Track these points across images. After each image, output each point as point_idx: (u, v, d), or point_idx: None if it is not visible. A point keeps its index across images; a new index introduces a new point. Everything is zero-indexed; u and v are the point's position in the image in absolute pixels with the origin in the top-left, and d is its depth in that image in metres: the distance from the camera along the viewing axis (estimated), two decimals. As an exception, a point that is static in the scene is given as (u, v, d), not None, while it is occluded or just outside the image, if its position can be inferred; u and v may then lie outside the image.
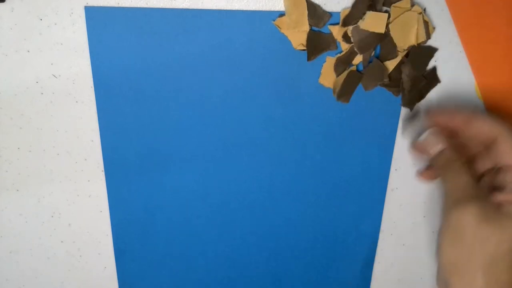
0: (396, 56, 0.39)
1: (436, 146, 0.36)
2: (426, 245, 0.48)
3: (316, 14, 0.37)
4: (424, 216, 0.47)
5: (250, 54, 0.38)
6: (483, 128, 0.33)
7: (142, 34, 0.37)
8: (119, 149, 0.41)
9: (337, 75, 0.39)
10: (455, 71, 0.41)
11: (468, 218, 0.28)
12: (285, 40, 0.38)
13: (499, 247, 0.28)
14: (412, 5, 0.37)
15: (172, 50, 0.38)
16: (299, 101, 0.41)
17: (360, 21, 0.37)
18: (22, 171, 0.41)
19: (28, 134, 0.40)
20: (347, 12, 0.37)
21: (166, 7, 0.37)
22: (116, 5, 0.36)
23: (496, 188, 0.33)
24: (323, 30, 0.38)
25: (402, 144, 0.43)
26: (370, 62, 0.39)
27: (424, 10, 0.38)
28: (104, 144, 0.41)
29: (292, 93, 0.40)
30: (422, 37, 0.38)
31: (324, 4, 0.38)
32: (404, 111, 0.42)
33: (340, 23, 0.37)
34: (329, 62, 0.39)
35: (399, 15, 0.37)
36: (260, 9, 0.37)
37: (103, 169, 0.42)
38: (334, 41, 0.38)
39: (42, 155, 0.41)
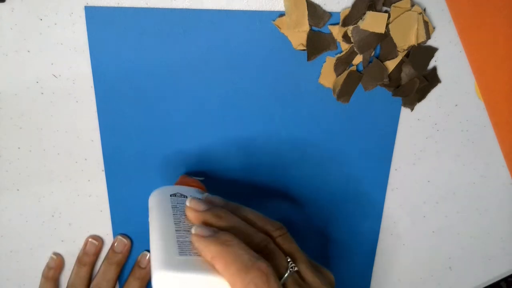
0: (396, 56, 0.39)
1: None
2: (426, 245, 0.48)
3: (316, 14, 0.37)
4: (424, 216, 0.47)
5: (250, 54, 0.38)
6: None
7: (142, 34, 0.37)
8: (119, 149, 0.41)
9: (337, 75, 0.39)
10: (455, 71, 0.41)
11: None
12: (285, 40, 0.38)
13: None
14: (412, 5, 0.37)
15: (172, 50, 0.38)
16: (299, 101, 0.41)
17: (360, 21, 0.37)
18: (23, 171, 0.41)
19: (28, 134, 0.40)
20: (347, 12, 0.37)
21: (166, 7, 0.37)
22: (116, 5, 0.36)
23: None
24: (323, 30, 0.38)
25: (402, 144, 0.43)
26: (370, 62, 0.39)
27: (424, 10, 0.38)
28: (104, 144, 0.41)
29: (292, 93, 0.40)
30: (422, 37, 0.38)
31: (324, 4, 0.38)
32: (403, 111, 0.42)
33: (340, 23, 0.37)
34: (329, 62, 0.39)
35: (399, 15, 0.37)
36: (260, 9, 0.37)
37: (103, 169, 0.42)
38: (334, 41, 0.38)
39: (43, 155, 0.41)
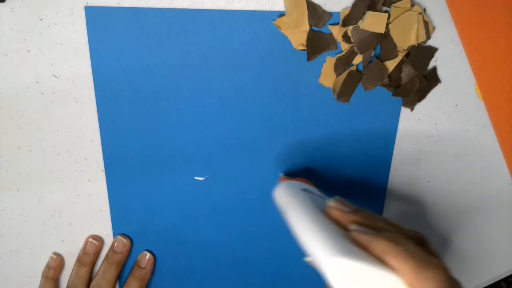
0: (396, 56, 0.39)
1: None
2: (426, 245, 0.48)
3: (316, 14, 0.37)
4: (424, 216, 0.47)
5: (250, 54, 0.38)
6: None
7: (142, 34, 0.37)
8: (119, 149, 0.41)
9: (337, 75, 0.39)
10: (455, 71, 0.41)
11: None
12: (285, 40, 0.38)
13: None
14: (412, 5, 0.37)
15: (172, 50, 0.38)
16: (299, 101, 0.41)
17: (360, 21, 0.37)
18: (23, 171, 0.41)
19: (28, 134, 0.40)
20: (347, 12, 0.37)
21: (166, 7, 0.37)
22: (116, 5, 0.36)
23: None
24: (323, 30, 0.38)
25: (402, 144, 0.43)
26: (370, 62, 0.39)
27: (424, 10, 0.38)
28: (104, 144, 0.41)
29: (292, 93, 0.40)
30: (422, 37, 0.38)
31: (324, 4, 0.38)
32: (403, 111, 0.42)
33: (340, 23, 0.37)
34: (329, 62, 0.39)
35: (399, 15, 0.37)
36: (260, 9, 0.37)
37: (103, 169, 0.42)
38: (334, 41, 0.38)
39: (43, 154, 0.41)
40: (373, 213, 0.33)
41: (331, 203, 0.33)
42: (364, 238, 0.29)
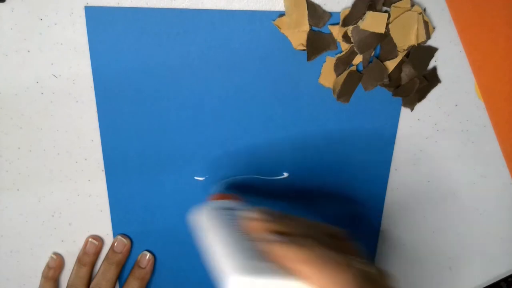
0: (396, 56, 0.39)
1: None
2: (426, 245, 0.48)
3: (316, 14, 0.37)
4: (424, 216, 0.47)
5: (250, 54, 0.38)
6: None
7: (142, 34, 0.37)
8: (119, 149, 0.41)
9: (337, 75, 0.39)
10: (455, 71, 0.41)
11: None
12: (285, 40, 0.38)
13: None
14: (412, 5, 0.37)
15: (172, 50, 0.38)
16: (299, 101, 0.41)
17: (360, 21, 0.37)
18: (23, 171, 0.41)
19: (28, 134, 0.40)
20: (347, 12, 0.37)
21: (166, 7, 0.37)
22: (116, 5, 0.36)
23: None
24: (323, 30, 0.38)
25: (402, 144, 0.43)
26: (370, 62, 0.39)
27: (424, 10, 0.38)
28: (104, 144, 0.41)
29: (292, 93, 0.40)
30: (422, 37, 0.38)
31: (324, 4, 0.38)
32: (403, 111, 0.42)
33: (340, 23, 0.37)
34: (329, 62, 0.39)
35: (399, 15, 0.37)
36: (260, 9, 0.37)
37: (103, 169, 0.42)
38: (334, 41, 0.38)
39: (43, 155, 0.41)
40: (295, 217, 0.33)
41: (250, 214, 0.32)
42: (276, 249, 0.28)
